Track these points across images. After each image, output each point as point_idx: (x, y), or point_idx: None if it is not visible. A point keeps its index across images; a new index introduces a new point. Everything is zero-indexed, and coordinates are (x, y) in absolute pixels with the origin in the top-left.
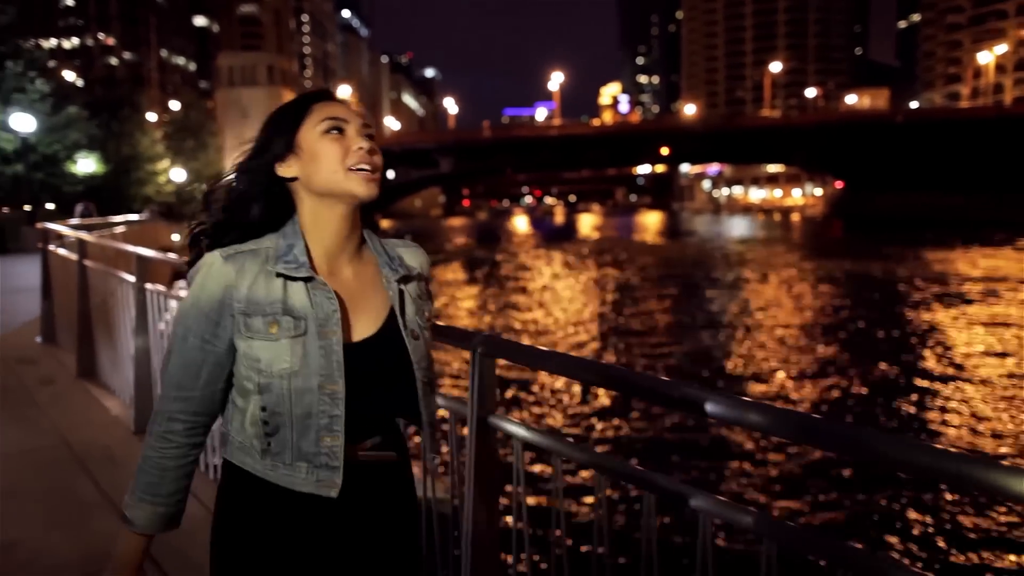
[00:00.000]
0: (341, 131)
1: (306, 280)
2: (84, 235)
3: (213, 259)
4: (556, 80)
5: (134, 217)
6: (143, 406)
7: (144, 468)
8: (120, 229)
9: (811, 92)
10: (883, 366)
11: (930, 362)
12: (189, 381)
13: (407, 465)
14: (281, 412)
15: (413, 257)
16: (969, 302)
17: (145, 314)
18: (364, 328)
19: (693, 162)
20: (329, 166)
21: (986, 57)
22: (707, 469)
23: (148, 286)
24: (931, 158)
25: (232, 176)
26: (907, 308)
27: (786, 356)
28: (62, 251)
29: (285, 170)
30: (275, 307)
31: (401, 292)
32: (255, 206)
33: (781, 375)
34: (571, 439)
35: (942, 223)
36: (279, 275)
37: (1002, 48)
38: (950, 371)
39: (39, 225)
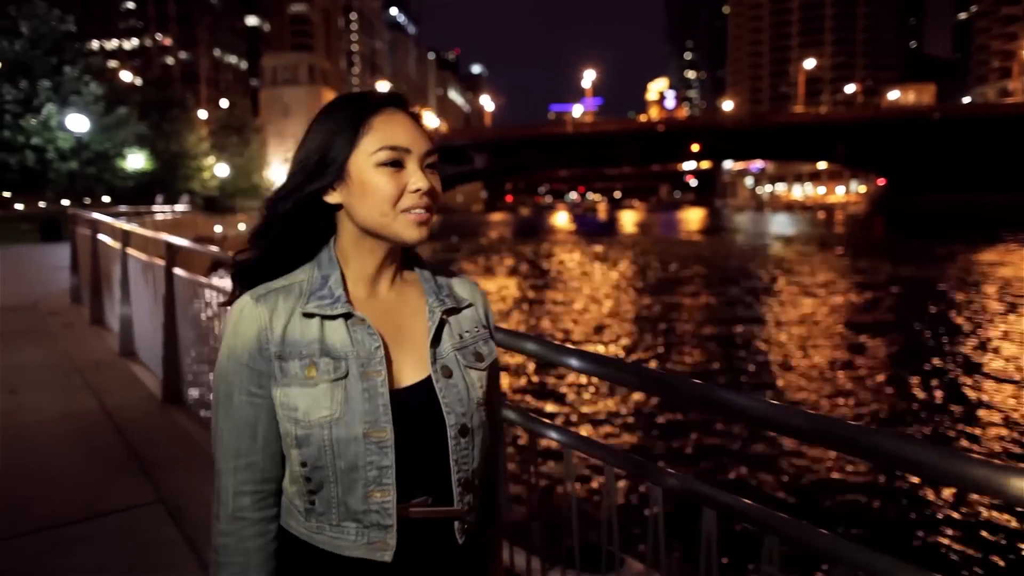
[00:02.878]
0: (399, 164)
1: (345, 316)
2: (97, 216)
3: (244, 303)
4: (589, 78)
5: (178, 208)
6: (127, 337)
7: (222, 561)
8: (161, 218)
9: (850, 88)
10: (916, 377)
11: (970, 371)
12: (246, 445)
13: (476, 541)
14: (323, 466)
15: (464, 288)
16: (1013, 307)
17: (127, 276)
18: (412, 370)
19: (724, 159)
20: (380, 206)
21: None
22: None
23: (101, 236)
24: (975, 155)
25: (276, 204)
26: (950, 314)
27: (810, 362)
28: (84, 231)
29: (331, 197)
30: (312, 348)
31: (442, 323)
32: (292, 232)
33: (805, 379)
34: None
35: (987, 222)
36: (311, 315)
37: None
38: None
39: (69, 212)
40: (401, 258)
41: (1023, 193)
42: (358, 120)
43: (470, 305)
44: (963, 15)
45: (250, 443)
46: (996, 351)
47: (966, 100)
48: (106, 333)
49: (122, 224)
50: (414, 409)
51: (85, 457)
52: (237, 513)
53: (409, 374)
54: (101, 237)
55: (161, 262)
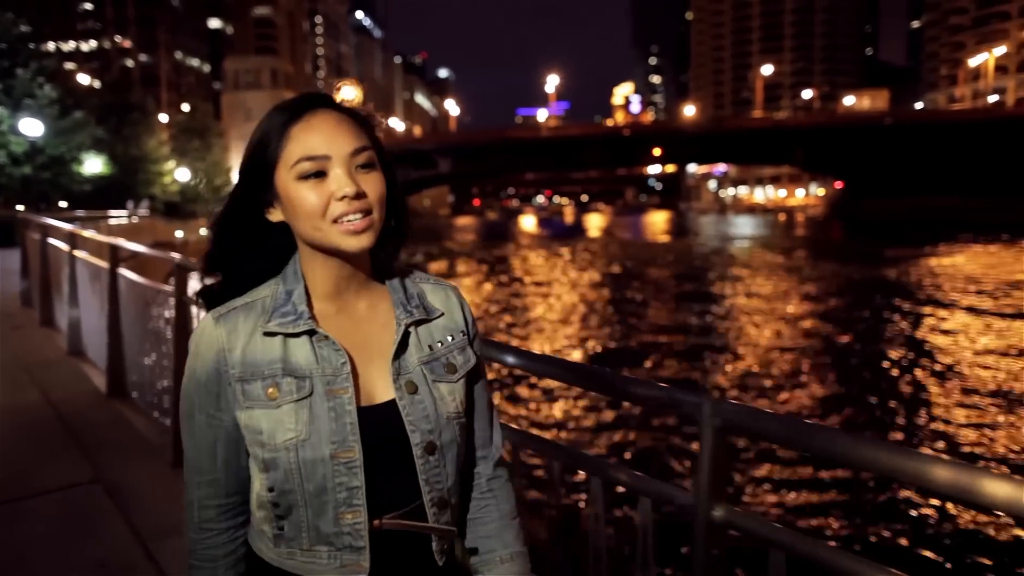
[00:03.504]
0: (322, 174)
1: (309, 333)
2: (46, 220)
3: (205, 323)
4: (552, 83)
5: (139, 212)
6: (75, 336)
7: (195, 564)
8: (117, 223)
9: (808, 94)
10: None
11: (917, 366)
12: (207, 463)
13: (454, 565)
14: (291, 490)
15: (437, 295)
16: (953, 304)
17: (75, 278)
18: (384, 386)
19: (685, 162)
20: (309, 220)
21: (977, 60)
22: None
23: (51, 240)
24: (926, 160)
25: (222, 227)
26: (898, 313)
27: (768, 360)
28: (34, 235)
29: (272, 215)
30: (274, 368)
31: (406, 335)
32: (254, 253)
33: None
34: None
35: (939, 225)
36: (272, 333)
37: (1001, 50)
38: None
39: (19, 216)
40: (371, 266)
41: (968, 196)
42: (279, 133)
43: (442, 314)
44: (916, 23)
45: (211, 462)
46: (938, 343)
47: (919, 106)
48: (55, 333)
49: (69, 227)
50: (384, 427)
51: (28, 443)
52: (203, 524)
53: (381, 391)
54: (50, 241)
55: (107, 264)
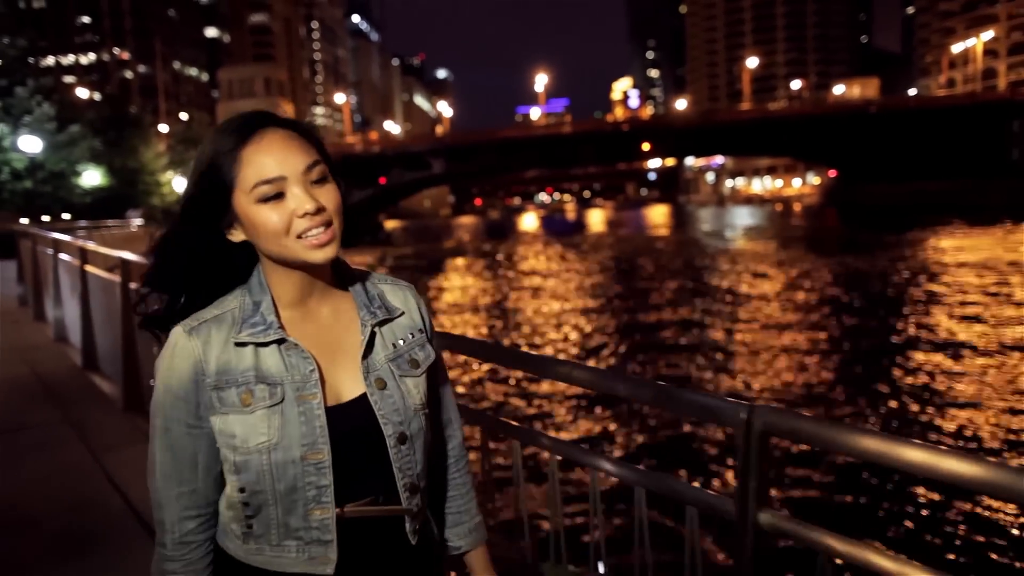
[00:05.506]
0: (280, 195)
1: (278, 342)
2: (35, 230)
3: (176, 336)
4: (541, 82)
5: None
6: (60, 326)
7: None
8: (116, 232)
9: (796, 84)
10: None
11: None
12: (188, 473)
13: (426, 542)
14: (262, 490)
15: (396, 295)
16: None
17: (58, 277)
18: (351, 384)
19: (677, 156)
20: (274, 239)
21: (959, 46)
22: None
23: (61, 256)
24: (916, 146)
25: (169, 246)
26: (891, 298)
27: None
28: (27, 244)
29: (233, 235)
30: (247, 375)
31: (372, 335)
32: (210, 272)
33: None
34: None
35: (931, 209)
36: (244, 343)
37: (989, 34)
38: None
39: (14, 228)
40: (332, 272)
41: (958, 180)
42: (230, 157)
43: (402, 313)
44: (910, 10)
45: (191, 472)
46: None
47: (912, 92)
48: (45, 326)
49: (52, 235)
50: (354, 423)
51: (18, 400)
52: (183, 538)
53: (348, 389)
54: (39, 248)
55: (77, 263)
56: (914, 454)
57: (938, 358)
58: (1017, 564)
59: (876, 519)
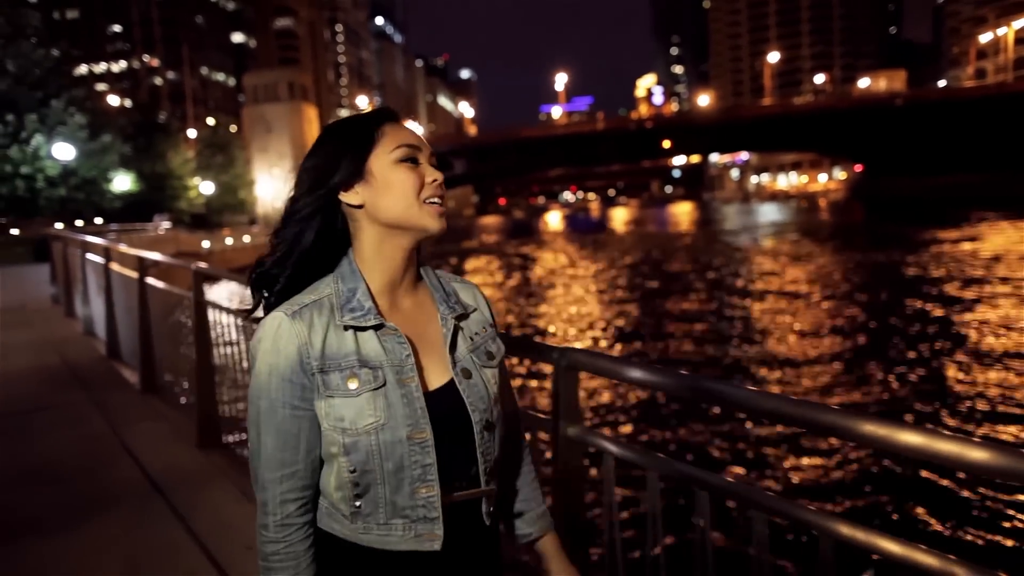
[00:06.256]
0: (416, 161)
1: (375, 327)
2: (65, 233)
3: (279, 319)
4: (561, 81)
5: (163, 225)
6: (88, 321)
7: (276, 567)
8: (145, 235)
9: (820, 78)
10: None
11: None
12: (290, 455)
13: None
14: (371, 470)
15: (467, 293)
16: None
17: (86, 276)
18: (436, 373)
19: (699, 152)
20: (405, 198)
21: (986, 36)
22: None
23: (89, 256)
24: (944, 139)
25: (293, 205)
26: (914, 294)
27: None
28: (59, 246)
29: (351, 196)
30: (350, 360)
31: (456, 329)
32: (310, 233)
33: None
34: (662, 454)
35: (959, 202)
36: (348, 327)
37: (1021, 23)
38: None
39: (47, 232)
40: (415, 266)
41: (989, 172)
42: (371, 128)
43: (475, 309)
44: None
45: (294, 454)
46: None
47: (942, 84)
48: (75, 322)
49: (80, 237)
50: (443, 410)
51: (49, 384)
52: (285, 520)
53: (434, 377)
54: (70, 249)
55: (102, 262)
56: (671, 382)
57: (957, 352)
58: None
59: (673, 436)
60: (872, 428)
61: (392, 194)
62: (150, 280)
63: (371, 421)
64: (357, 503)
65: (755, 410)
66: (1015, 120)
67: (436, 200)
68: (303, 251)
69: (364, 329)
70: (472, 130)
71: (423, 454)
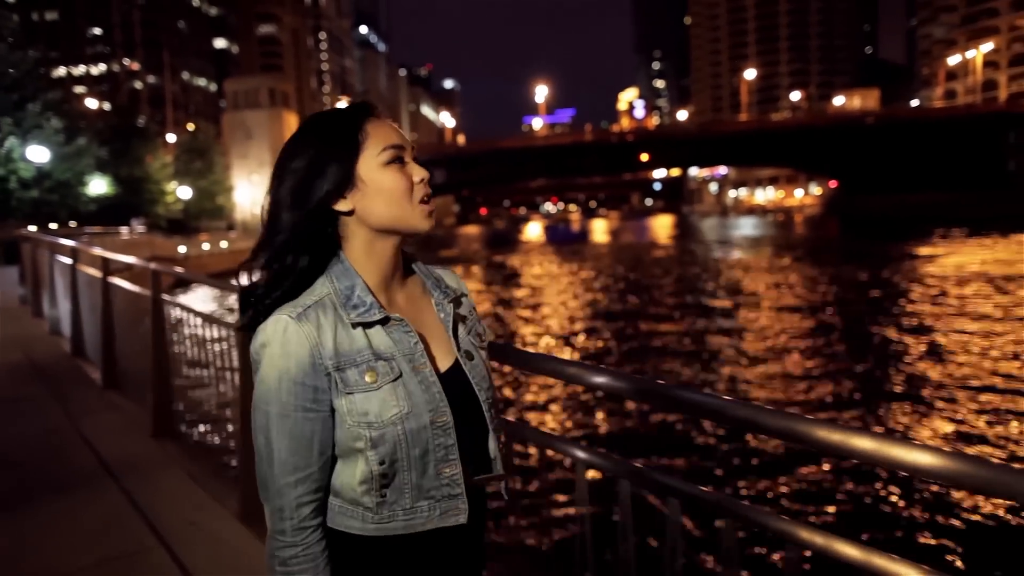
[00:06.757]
0: (402, 161)
1: (381, 321)
2: (34, 235)
3: (284, 323)
4: (541, 94)
5: (138, 228)
6: (55, 321)
7: (294, 570)
8: (121, 238)
9: (796, 95)
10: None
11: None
12: (304, 459)
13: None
14: (399, 459)
15: (451, 279)
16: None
17: (53, 276)
18: (443, 358)
19: (677, 166)
20: (397, 202)
21: (954, 59)
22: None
23: (58, 257)
24: (915, 157)
25: (276, 215)
26: (883, 308)
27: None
28: (28, 248)
29: (341, 205)
30: (364, 355)
31: (454, 314)
32: (305, 258)
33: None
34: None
35: (931, 220)
36: (356, 325)
37: (988, 46)
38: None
39: (16, 234)
40: (402, 259)
41: (955, 192)
42: (353, 129)
43: (464, 294)
44: (915, 21)
45: (307, 457)
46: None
47: (914, 103)
48: (43, 322)
49: (48, 239)
50: (454, 391)
51: (14, 380)
52: (302, 524)
53: (441, 362)
54: (38, 250)
55: (70, 263)
56: (598, 379)
57: (923, 361)
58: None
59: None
60: (825, 434)
61: (384, 199)
62: (113, 280)
63: (395, 411)
64: (384, 493)
65: (704, 412)
66: (982, 141)
67: (425, 198)
68: (299, 273)
69: (371, 324)
70: (461, 139)
71: (445, 436)
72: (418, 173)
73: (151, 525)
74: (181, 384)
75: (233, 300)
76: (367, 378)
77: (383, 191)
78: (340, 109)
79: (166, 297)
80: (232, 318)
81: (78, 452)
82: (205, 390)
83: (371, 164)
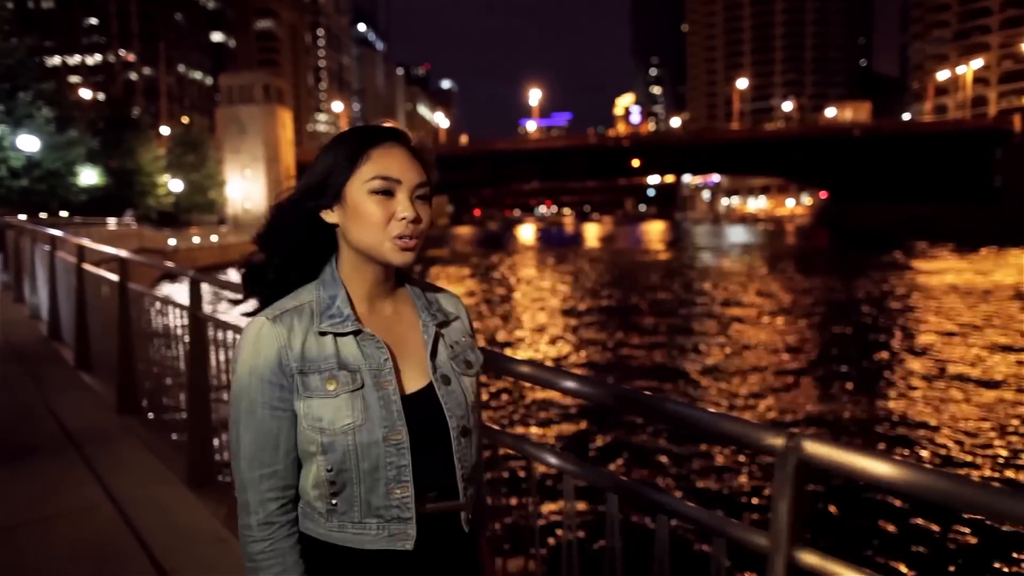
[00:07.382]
0: (390, 193)
1: (354, 333)
2: (17, 223)
3: (260, 324)
4: (535, 97)
5: (126, 220)
6: (35, 305)
7: (263, 566)
8: (108, 229)
9: (788, 106)
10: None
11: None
12: (269, 455)
13: (476, 532)
14: (347, 469)
15: (449, 302)
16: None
17: (34, 263)
18: (414, 378)
19: (668, 173)
20: (369, 229)
21: (944, 74)
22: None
23: (38, 243)
24: (903, 170)
25: (277, 214)
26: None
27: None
28: (11, 235)
29: (329, 216)
30: (329, 363)
31: (437, 335)
32: (299, 247)
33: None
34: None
35: (917, 232)
36: (325, 333)
37: (978, 63)
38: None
39: (1, 220)
40: (395, 276)
41: (942, 204)
42: (359, 150)
43: (457, 318)
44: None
45: (273, 454)
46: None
47: (906, 117)
48: (23, 307)
49: (31, 226)
50: (420, 413)
51: None
52: (268, 519)
53: (412, 382)
54: (21, 238)
55: (49, 250)
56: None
57: (911, 373)
58: None
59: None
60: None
61: (358, 224)
62: (87, 267)
63: (348, 422)
64: (333, 501)
65: (671, 418)
66: (970, 156)
67: (404, 237)
68: (290, 261)
69: (343, 335)
70: (464, 139)
71: (398, 455)
72: (403, 211)
73: (104, 486)
74: (145, 365)
75: (206, 289)
76: (328, 386)
77: (359, 216)
78: (370, 127)
79: (132, 285)
80: (184, 300)
81: (44, 423)
82: (166, 369)
83: (357, 187)
